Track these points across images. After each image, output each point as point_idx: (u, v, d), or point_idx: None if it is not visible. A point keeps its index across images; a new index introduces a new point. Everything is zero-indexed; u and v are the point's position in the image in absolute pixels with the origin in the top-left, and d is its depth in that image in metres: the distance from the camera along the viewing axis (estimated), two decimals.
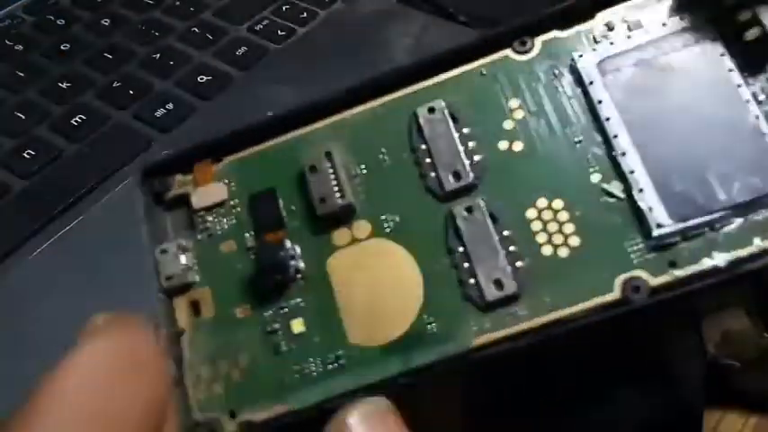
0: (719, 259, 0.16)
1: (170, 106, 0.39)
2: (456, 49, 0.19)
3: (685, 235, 0.16)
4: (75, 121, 0.39)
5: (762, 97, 0.17)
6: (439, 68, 0.20)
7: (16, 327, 0.29)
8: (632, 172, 0.17)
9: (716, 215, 0.16)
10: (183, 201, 0.20)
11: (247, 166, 0.20)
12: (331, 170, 0.19)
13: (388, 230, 0.18)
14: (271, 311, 0.18)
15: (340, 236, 0.18)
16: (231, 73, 0.42)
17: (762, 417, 0.28)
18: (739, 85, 0.17)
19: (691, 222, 0.16)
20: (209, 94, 0.40)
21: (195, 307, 0.19)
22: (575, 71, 0.19)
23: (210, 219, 0.19)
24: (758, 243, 0.16)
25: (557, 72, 0.19)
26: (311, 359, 0.18)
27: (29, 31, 0.45)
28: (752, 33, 0.18)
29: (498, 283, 0.17)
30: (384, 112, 0.20)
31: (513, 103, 0.19)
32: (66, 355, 0.14)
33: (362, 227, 0.18)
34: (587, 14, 0.19)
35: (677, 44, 0.18)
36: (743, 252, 0.16)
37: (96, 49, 0.44)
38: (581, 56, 0.18)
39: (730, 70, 0.18)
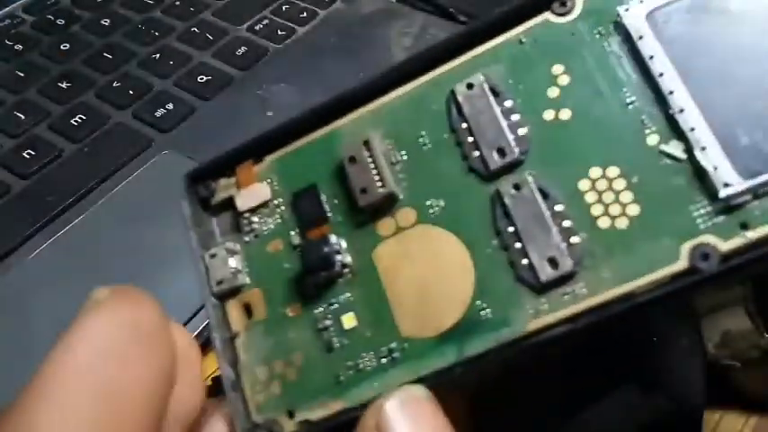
0: None
1: (170, 106, 0.39)
2: (492, 20, 0.18)
3: (756, 193, 0.15)
4: (75, 121, 0.39)
5: None
6: (475, 42, 0.18)
7: (16, 326, 0.29)
8: (693, 129, 0.16)
9: None
10: (229, 204, 0.20)
11: (288, 163, 0.20)
12: (370, 159, 0.18)
13: (433, 216, 0.18)
14: (321, 308, 0.18)
15: (384, 226, 0.18)
16: (231, 73, 0.42)
17: (762, 417, 0.28)
18: None
19: (762, 178, 0.15)
20: (209, 94, 0.40)
21: (247, 309, 0.19)
22: (621, 27, 0.17)
23: (256, 220, 0.19)
24: None
25: (602, 30, 0.17)
26: (364, 354, 0.17)
27: (29, 31, 0.46)
28: None
29: (553, 262, 0.16)
30: (421, 93, 0.19)
31: (557, 68, 0.17)
32: (70, 328, 0.14)
33: (406, 214, 0.18)
34: None
35: None
36: None
37: (96, 49, 0.44)
38: (627, 9, 0.17)
39: None
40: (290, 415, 0.17)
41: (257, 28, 0.45)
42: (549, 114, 0.17)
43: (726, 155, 0.15)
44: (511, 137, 0.17)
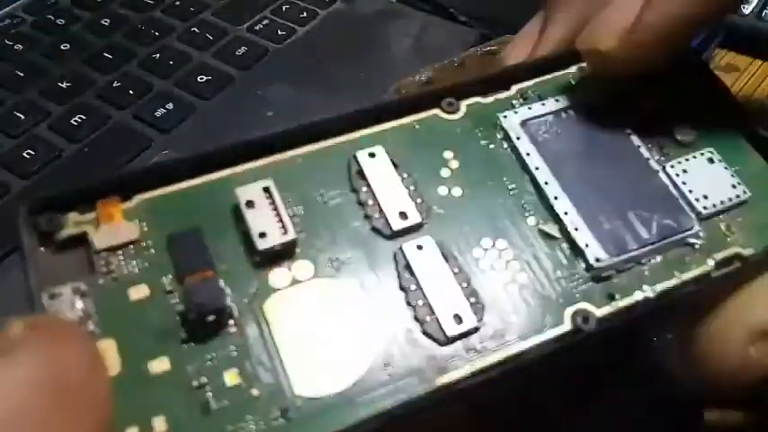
0: (649, 291, 0.18)
1: (170, 106, 0.39)
2: (387, 105, 0.20)
3: (619, 269, 0.18)
4: (75, 121, 0.39)
5: (656, 156, 0.21)
6: (372, 121, 0.20)
7: None
8: (566, 213, 0.19)
9: (641, 251, 0.19)
10: (79, 242, 0.17)
11: (164, 205, 0.17)
12: (271, 205, 0.17)
13: (332, 270, 0.17)
14: (197, 363, 0.15)
15: (278, 277, 0.17)
16: (231, 73, 0.42)
17: (762, 416, 0.28)
18: (639, 146, 0.21)
19: (623, 257, 0.18)
20: (209, 94, 0.40)
21: None
22: (501, 129, 0.20)
23: (116, 261, 0.16)
24: (678, 275, 0.19)
25: (483, 130, 0.20)
26: (250, 416, 0.15)
27: (29, 31, 0.45)
28: (647, 105, 0.21)
29: (458, 318, 0.17)
30: (319, 156, 0.19)
31: (448, 154, 0.20)
32: None
33: (304, 266, 0.17)
34: (504, 85, 0.21)
35: (586, 111, 0.21)
36: (668, 284, 0.18)
37: (96, 49, 0.44)
38: (506, 116, 0.21)
39: (629, 134, 0.21)
40: None
41: (257, 28, 0.45)
42: (443, 190, 0.19)
43: (594, 236, 0.19)
44: (412, 203, 0.18)
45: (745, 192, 0.20)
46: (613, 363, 0.22)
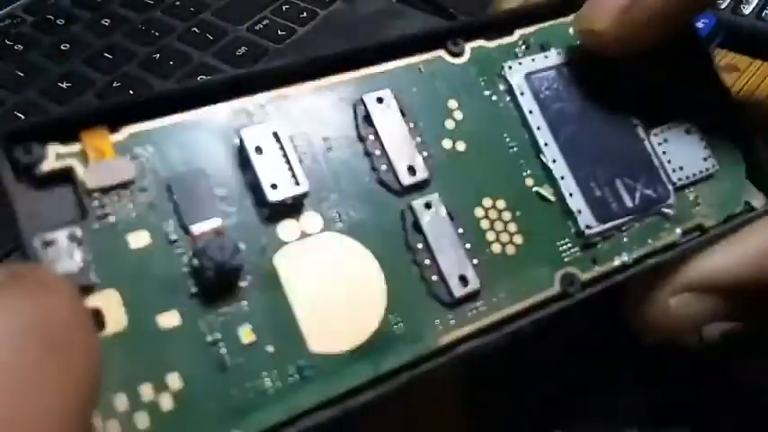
0: (625, 257, 0.19)
1: None
2: (392, 43, 0.19)
3: (604, 235, 0.19)
4: None
5: (644, 122, 0.21)
6: (378, 57, 0.19)
7: None
8: (563, 178, 0.19)
9: (624, 219, 0.20)
10: (64, 179, 0.15)
11: (161, 140, 0.16)
12: (281, 152, 0.16)
13: (340, 225, 0.17)
14: (209, 319, 0.15)
15: (287, 229, 0.16)
16: (231, 73, 0.42)
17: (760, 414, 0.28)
18: (629, 111, 0.21)
19: (609, 224, 0.19)
20: None
21: (97, 319, 0.14)
22: (505, 81, 0.20)
23: (109, 202, 0.15)
24: (651, 243, 0.20)
25: (488, 79, 0.20)
26: (266, 373, 0.15)
27: (29, 31, 0.45)
28: (640, 70, 0.21)
29: (463, 279, 0.17)
30: (325, 92, 0.18)
31: (452, 103, 0.20)
32: None
33: (313, 220, 0.17)
34: (507, 29, 0.21)
35: (585, 69, 0.21)
36: (642, 251, 0.19)
37: (96, 49, 0.44)
38: (510, 67, 0.20)
39: (623, 98, 0.21)
40: None
41: (257, 28, 0.45)
42: (447, 143, 0.19)
43: (586, 202, 0.19)
44: (419, 157, 0.18)
45: (714, 165, 0.21)
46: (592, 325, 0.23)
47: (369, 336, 0.16)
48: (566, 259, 0.19)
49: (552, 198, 0.19)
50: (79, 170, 0.15)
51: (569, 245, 0.19)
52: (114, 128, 0.15)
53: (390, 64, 0.19)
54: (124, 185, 0.15)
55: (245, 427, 0.14)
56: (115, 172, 0.15)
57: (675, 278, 0.20)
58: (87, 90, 0.41)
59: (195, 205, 0.15)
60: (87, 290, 0.14)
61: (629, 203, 0.20)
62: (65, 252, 0.14)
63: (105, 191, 0.15)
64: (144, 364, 0.14)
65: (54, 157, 0.15)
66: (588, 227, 0.19)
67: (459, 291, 0.17)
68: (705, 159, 0.21)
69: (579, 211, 0.19)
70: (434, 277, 0.17)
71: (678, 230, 0.20)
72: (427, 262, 0.17)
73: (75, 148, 0.15)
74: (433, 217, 0.18)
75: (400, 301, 0.17)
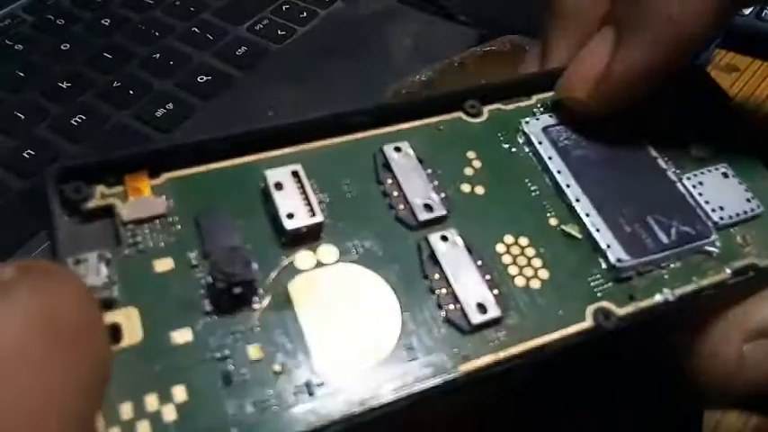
0: (668, 294, 0.19)
1: (170, 106, 0.39)
2: (411, 104, 0.21)
3: (639, 271, 0.19)
4: (75, 121, 0.39)
5: (673, 168, 0.21)
6: (397, 118, 0.20)
7: None
8: (587, 215, 0.19)
9: (661, 255, 0.19)
10: (106, 214, 0.17)
11: (192, 185, 0.18)
12: (299, 188, 0.18)
13: (356, 256, 0.18)
14: (220, 336, 0.15)
15: (303, 259, 0.17)
16: (231, 73, 0.42)
17: (762, 417, 0.28)
18: (656, 158, 0.21)
19: (644, 259, 0.19)
20: (209, 94, 0.40)
21: (115, 332, 0.15)
22: (523, 134, 0.21)
23: (141, 234, 0.17)
24: (696, 281, 0.19)
25: (506, 135, 0.21)
26: (270, 391, 0.15)
27: (29, 31, 0.45)
28: (661, 119, 0.22)
29: (482, 307, 0.17)
30: (346, 147, 0.20)
31: (471, 154, 0.20)
32: None
33: (329, 251, 0.17)
34: (525, 94, 0.22)
35: (605, 122, 0.21)
36: (687, 288, 0.19)
37: (96, 49, 0.44)
38: (527, 121, 0.21)
39: (647, 146, 0.21)
40: None
41: (257, 28, 0.45)
42: (466, 187, 0.19)
43: (615, 238, 0.19)
44: (436, 196, 0.19)
45: (758, 206, 0.21)
46: (622, 361, 0.22)
47: (379, 361, 0.16)
48: (598, 294, 0.18)
49: (578, 235, 0.19)
50: (119, 206, 0.17)
51: (601, 280, 0.19)
52: (155, 173, 0.17)
53: (410, 123, 0.20)
54: (156, 218, 0.17)
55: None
56: (149, 207, 0.17)
57: (746, 323, 0.19)
58: (87, 90, 0.41)
59: (218, 236, 0.17)
60: (109, 305, 0.15)
61: (664, 239, 0.19)
62: (92, 268, 0.15)
63: (139, 223, 0.17)
64: (152, 376, 0.15)
65: (99, 196, 0.17)
66: (620, 260, 0.19)
67: (476, 317, 0.17)
68: (748, 201, 0.21)
69: (608, 246, 0.19)
70: (451, 305, 0.17)
71: (727, 270, 0.19)
72: (444, 291, 0.17)
73: (119, 189, 0.17)
74: (450, 248, 0.18)
75: (414, 327, 0.17)
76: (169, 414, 0.14)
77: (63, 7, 0.47)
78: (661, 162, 0.21)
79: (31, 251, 0.32)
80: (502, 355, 0.17)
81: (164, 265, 0.16)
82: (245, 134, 0.18)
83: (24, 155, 0.37)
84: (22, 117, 0.39)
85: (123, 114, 0.39)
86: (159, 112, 0.39)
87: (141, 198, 0.17)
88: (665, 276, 0.19)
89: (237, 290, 0.16)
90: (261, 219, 0.17)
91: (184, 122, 0.39)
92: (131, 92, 0.40)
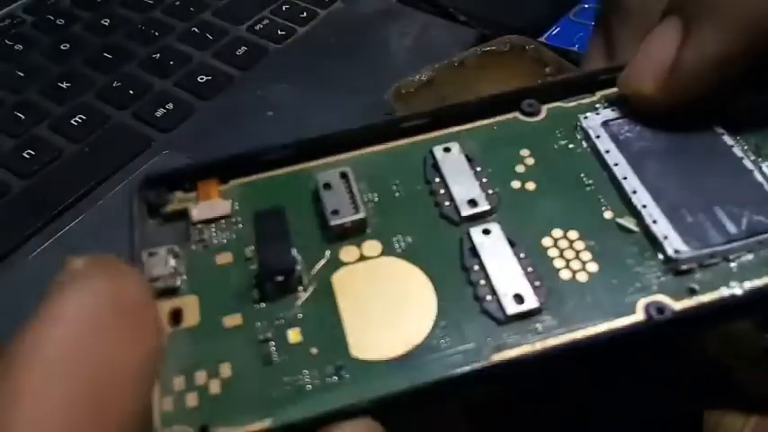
0: (737, 288, 0.17)
1: (170, 106, 0.39)
2: (466, 105, 0.21)
3: (702, 263, 0.17)
4: (75, 121, 0.39)
5: (752, 156, 0.20)
6: (452, 121, 0.21)
7: (16, 327, 0.29)
8: (645, 206, 0.18)
9: (729, 246, 0.18)
10: (181, 216, 0.19)
11: (255, 190, 0.20)
12: (346, 188, 0.19)
13: (399, 251, 0.18)
14: (265, 321, 0.17)
15: (348, 252, 0.18)
16: (231, 73, 0.42)
17: (762, 417, 0.28)
18: (732, 146, 0.20)
19: (707, 251, 0.17)
20: (209, 94, 0.40)
21: (176, 315, 0.17)
22: (581, 129, 0.20)
23: (208, 232, 0.19)
24: None
25: (563, 131, 0.20)
26: (306, 371, 0.16)
27: (29, 31, 0.46)
28: (742, 103, 0.20)
29: (519, 298, 0.17)
30: (398, 150, 0.20)
31: (525, 152, 0.20)
32: (44, 302, 0.12)
33: (373, 246, 0.18)
34: (588, 90, 0.21)
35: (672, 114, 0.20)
36: (758, 282, 0.17)
37: (96, 49, 0.44)
38: (586, 117, 0.20)
39: (722, 134, 0.20)
40: (203, 430, 0.15)
41: (257, 28, 0.45)
42: (516, 184, 0.19)
43: (674, 228, 0.18)
44: (482, 193, 0.19)
45: None
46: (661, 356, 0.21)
47: (412, 348, 0.16)
48: (653, 287, 0.17)
49: (635, 228, 0.18)
50: (192, 209, 0.19)
51: (657, 273, 0.17)
52: (224, 180, 0.19)
53: (464, 126, 0.21)
54: (222, 219, 0.19)
55: (276, 416, 0.15)
56: (216, 209, 0.19)
57: None
58: (87, 90, 0.41)
59: (269, 231, 0.18)
60: (173, 291, 0.17)
61: (732, 230, 0.18)
62: (162, 260, 0.17)
63: (206, 222, 0.19)
64: (203, 354, 0.16)
65: (176, 201, 0.19)
66: (678, 251, 0.17)
67: (512, 308, 0.17)
68: None
69: (666, 237, 0.18)
70: (489, 297, 0.17)
71: None
72: (482, 282, 0.17)
73: (192, 195, 0.19)
74: (491, 241, 0.18)
75: (449, 317, 0.17)
76: (215, 388, 0.16)
77: (63, 7, 0.47)
78: (737, 150, 0.20)
79: (30, 251, 0.32)
80: (539, 347, 0.16)
81: (224, 258, 0.18)
82: (305, 142, 0.20)
83: (24, 155, 0.37)
84: (22, 117, 0.39)
85: (123, 114, 0.39)
86: (159, 112, 0.39)
87: (210, 201, 0.19)
88: (734, 269, 0.17)
89: (279, 278, 0.17)
90: (311, 217, 0.19)
91: (184, 122, 0.39)
92: (131, 92, 0.40)
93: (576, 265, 0.18)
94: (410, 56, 0.42)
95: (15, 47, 0.44)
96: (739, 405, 0.25)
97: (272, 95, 0.40)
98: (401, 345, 0.16)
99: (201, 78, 0.41)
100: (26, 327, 0.12)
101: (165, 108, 0.39)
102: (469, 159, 0.19)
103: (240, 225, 0.19)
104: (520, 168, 0.20)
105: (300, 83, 0.41)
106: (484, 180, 0.19)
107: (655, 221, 0.18)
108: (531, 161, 0.20)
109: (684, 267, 0.17)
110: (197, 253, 0.18)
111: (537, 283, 0.17)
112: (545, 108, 0.21)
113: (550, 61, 0.36)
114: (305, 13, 0.46)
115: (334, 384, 0.16)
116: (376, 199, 0.19)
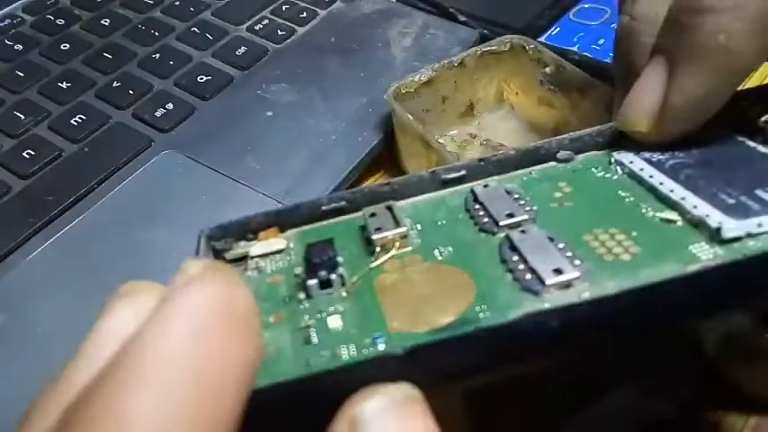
0: None
1: (170, 106, 0.39)
2: (505, 159, 0.22)
3: (750, 233, 0.17)
4: (75, 121, 0.39)
5: None
6: (490, 173, 0.22)
7: (16, 327, 0.29)
8: (683, 198, 0.19)
9: None
10: (242, 260, 0.20)
11: (308, 234, 0.21)
12: (390, 214, 0.20)
13: (440, 258, 0.19)
14: (307, 315, 0.18)
15: (390, 263, 0.19)
16: (231, 73, 0.42)
17: (762, 417, 0.28)
18: (755, 147, 0.21)
19: (753, 219, 0.17)
20: (209, 94, 0.40)
21: None
22: (617, 162, 0.21)
23: (263, 262, 0.20)
24: None
25: (600, 168, 0.21)
26: (344, 345, 0.16)
27: (29, 31, 0.46)
28: (766, 116, 0.21)
29: (558, 271, 0.17)
30: (443, 195, 0.22)
31: (562, 183, 0.21)
32: (165, 304, 0.13)
33: (413, 258, 0.19)
34: (619, 144, 0.22)
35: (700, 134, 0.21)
36: None
37: (96, 49, 0.44)
38: (619, 153, 0.21)
39: (755, 147, 0.21)
40: None
41: (257, 28, 0.45)
42: (554, 204, 0.20)
43: (715, 207, 0.18)
44: (520, 209, 0.20)
45: None
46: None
47: (449, 320, 0.16)
48: (701, 257, 0.17)
49: (677, 218, 0.18)
50: (252, 248, 0.20)
51: (704, 246, 0.17)
52: (282, 229, 0.21)
53: (502, 176, 0.22)
54: (276, 253, 0.20)
55: (309, 371, 0.16)
56: (272, 245, 0.20)
57: None
58: (87, 90, 0.41)
59: (319, 253, 0.19)
60: None
61: None
62: None
63: (262, 256, 0.20)
64: None
65: (240, 248, 0.20)
66: (721, 223, 0.17)
67: (551, 279, 0.16)
68: None
69: (708, 215, 0.18)
70: (528, 275, 0.17)
71: None
72: (521, 267, 0.17)
73: (254, 243, 0.21)
74: (529, 237, 0.18)
75: (488, 295, 0.17)
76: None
77: (63, 7, 0.47)
78: (762, 148, 0.21)
79: (30, 251, 0.32)
80: (572, 299, 0.16)
81: (275, 279, 0.19)
82: (358, 192, 0.21)
83: (24, 155, 0.37)
84: (22, 117, 0.39)
85: (123, 114, 0.39)
86: (159, 112, 0.39)
87: (268, 240, 0.21)
88: None
89: (323, 272, 0.18)
90: (359, 247, 0.20)
91: (184, 122, 0.39)
92: (131, 92, 0.40)
93: (618, 249, 0.18)
94: (410, 56, 0.42)
95: (15, 47, 0.44)
96: (739, 405, 0.25)
97: (272, 95, 0.40)
98: (439, 319, 0.16)
99: (201, 78, 0.41)
100: (148, 321, 0.13)
101: (164, 108, 0.39)
102: (508, 192, 0.20)
103: (292, 255, 0.20)
104: (557, 194, 0.20)
105: (300, 83, 0.41)
106: (521, 202, 0.20)
107: (695, 206, 0.18)
108: (568, 189, 0.21)
109: (732, 236, 0.17)
110: (251, 278, 0.20)
111: (577, 262, 0.17)
112: (580, 157, 0.22)
113: (550, 61, 0.36)
114: (305, 13, 0.46)
115: (372, 352, 0.16)
116: (419, 227, 0.20)
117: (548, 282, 0.16)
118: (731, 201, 0.18)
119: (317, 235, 0.20)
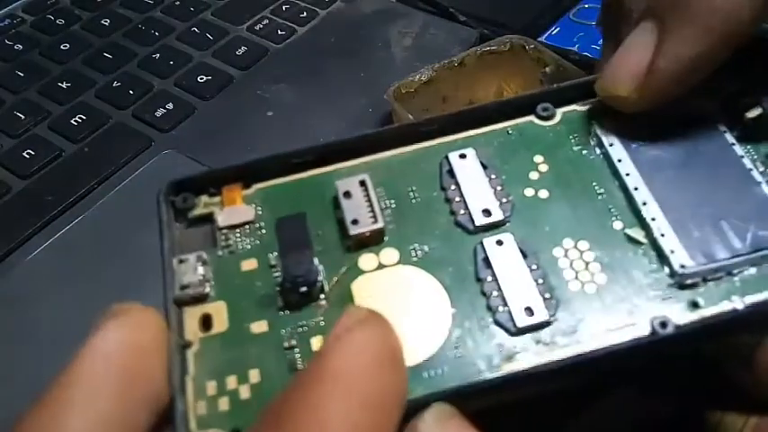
0: (738, 302, 0.17)
1: (170, 106, 0.39)
2: (482, 109, 0.21)
3: (705, 277, 0.18)
4: (75, 121, 0.39)
5: (761, 168, 0.20)
6: (467, 125, 0.21)
7: (16, 327, 0.29)
8: (653, 219, 0.19)
9: (733, 261, 0.18)
10: (207, 220, 0.20)
11: (276, 194, 0.20)
12: (365, 196, 0.19)
13: (415, 259, 0.19)
14: (289, 329, 0.18)
15: (366, 261, 0.19)
16: (231, 73, 0.42)
17: (762, 417, 0.28)
18: (741, 156, 0.20)
19: (711, 265, 0.18)
20: (209, 94, 0.40)
21: (206, 321, 0.18)
22: (596, 135, 0.21)
23: (233, 237, 0.19)
24: None
25: (578, 137, 0.21)
26: None
27: (29, 31, 0.46)
28: (752, 113, 0.20)
29: (529, 310, 0.17)
30: (415, 155, 0.21)
31: (538, 158, 0.20)
32: (348, 335, 0.15)
33: (390, 254, 0.19)
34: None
35: (687, 119, 0.21)
36: (760, 297, 0.18)
37: (96, 49, 0.44)
38: (602, 123, 0.21)
39: (732, 144, 0.20)
40: None
41: (257, 28, 0.45)
42: (529, 191, 0.20)
43: (681, 242, 0.18)
44: (496, 202, 0.19)
45: None
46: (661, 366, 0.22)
47: (427, 357, 0.17)
48: (657, 301, 0.18)
49: (643, 240, 0.19)
50: (217, 214, 0.19)
51: (661, 286, 0.18)
52: (247, 184, 0.20)
53: (480, 130, 0.21)
54: (245, 225, 0.19)
55: None
56: (240, 215, 0.19)
57: None
58: (87, 90, 0.41)
59: (294, 239, 0.19)
60: (203, 298, 0.18)
61: (737, 245, 0.18)
62: (191, 268, 0.18)
63: (231, 228, 0.19)
64: (233, 360, 0.17)
65: (202, 205, 0.20)
66: (683, 266, 0.18)
67: (522, 320, 0.17)
68: None
69: (672, 251, 0.18)
70: (501, 308, 0.17)
71: None
72: (495, 293, 0.18)
73: (217, 199, 0.20)
74: (504, 252, 0.18)
75: (464, 327, 0.17)
76: (245, 393, 0.17)
77: (63, 7, 0.47)
78: (747, 161, 0.20)
79: (30, 251, 0.32)
80: (546, 357, 0.17)
81: (249, 264, 0.19)
82: (323, 146, 0.20)
83: (24, 155, 0.37)
84: (22, 117, 0.39)
85: (123, 114, 0.39)
86: (159, 112, 0.39)
87: (234, 207, 0.20)
88: (737, 284, 0.18)
89: (303, 289, 0.18)
90: (331, 224, 0.19)
91: (184, 122, 0.39)
92: (131, 92, 0.40)
93: (585, 276, 0.18)
94: (410, 56, 0.42)
95: (15, 47, 0.44)
96: (739, 405, 0.25)
97: (272, 95, 0.40)
98: (416, 353, 0.17)
99: (201, 78, 0.41)
100: (325, 354, 0.14)
101: (165, 108, 0.39)
102: (484, 166, 0.20)
103: (263, 231, 0.19)
104: (534, 175, 0.20)
105: (300, 83, 0.41)
106: (498, 188, 0.20)
107: (663, 234, 0.18)
108: (544, 168, 0.20)
109: (689, 282, 0.18)
110: (223, 259, 0.19)
111: (547, 296, 0.18)
112: (560, 112, 0.21)
113: (550, 61, 0.36)
114: (305, 13, 0.46)
115: None
116: (393, 205, 0.20)
117: (519, 324, 0.17)
118: (697, 233, 0.19)
119: (285, 198, 0.20)
